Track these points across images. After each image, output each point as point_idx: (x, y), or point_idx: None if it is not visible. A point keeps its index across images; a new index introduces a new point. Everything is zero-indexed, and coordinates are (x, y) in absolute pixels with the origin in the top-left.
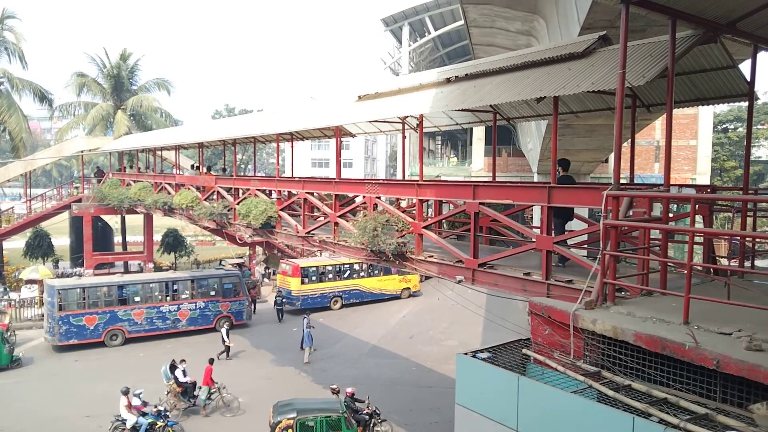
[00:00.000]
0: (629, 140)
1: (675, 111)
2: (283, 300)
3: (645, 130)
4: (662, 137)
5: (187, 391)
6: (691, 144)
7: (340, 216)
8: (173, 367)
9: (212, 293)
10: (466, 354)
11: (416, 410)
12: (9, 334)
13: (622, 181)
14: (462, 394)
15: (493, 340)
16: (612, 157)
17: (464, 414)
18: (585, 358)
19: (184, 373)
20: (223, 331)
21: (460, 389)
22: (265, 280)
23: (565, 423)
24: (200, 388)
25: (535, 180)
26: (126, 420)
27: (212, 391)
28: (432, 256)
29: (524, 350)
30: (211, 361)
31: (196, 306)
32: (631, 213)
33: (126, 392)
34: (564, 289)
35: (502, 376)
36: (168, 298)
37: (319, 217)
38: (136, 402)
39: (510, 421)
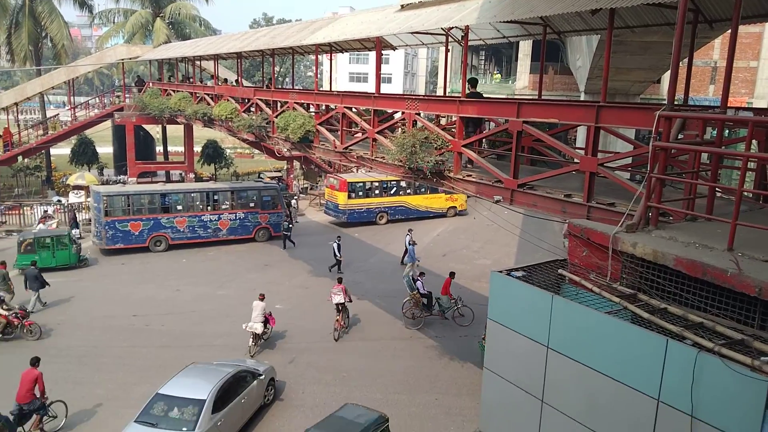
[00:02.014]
0: (686, 60)
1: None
2: (290, 225)
3: (702, 49)
4: (720, 57)
5: (424, 302)
6: (752, 65)
7: (378, 132)
8: (415, 280)
9: (251, 205)
10: (500, 272)
11: (448, 325)
12: (78, 234)
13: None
14: (495, 310)
15: (527, 261)
16: (665, 77)
17: (496, 328)
18: (622, 280)
19: (423, 286)
20: (335, 245)
21: (493, 305)
22: (302, 195)
23: (598, 342)
24: (438, 298)
25: (582, 99)
26: None
27: (451, 301)
28: (470, 175)
29: (560, 270)
30: (452, 275)
31: (236, 216)
32: (681, 136)
33: None
34: (604, 212)
35: (535, 294)
36: (209, 207)
37: (357, 132)
38: None
39: (541, 337)
